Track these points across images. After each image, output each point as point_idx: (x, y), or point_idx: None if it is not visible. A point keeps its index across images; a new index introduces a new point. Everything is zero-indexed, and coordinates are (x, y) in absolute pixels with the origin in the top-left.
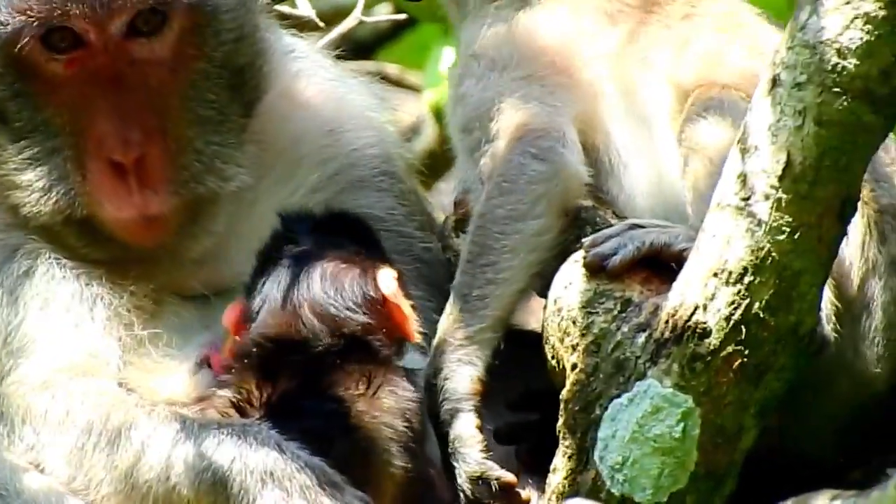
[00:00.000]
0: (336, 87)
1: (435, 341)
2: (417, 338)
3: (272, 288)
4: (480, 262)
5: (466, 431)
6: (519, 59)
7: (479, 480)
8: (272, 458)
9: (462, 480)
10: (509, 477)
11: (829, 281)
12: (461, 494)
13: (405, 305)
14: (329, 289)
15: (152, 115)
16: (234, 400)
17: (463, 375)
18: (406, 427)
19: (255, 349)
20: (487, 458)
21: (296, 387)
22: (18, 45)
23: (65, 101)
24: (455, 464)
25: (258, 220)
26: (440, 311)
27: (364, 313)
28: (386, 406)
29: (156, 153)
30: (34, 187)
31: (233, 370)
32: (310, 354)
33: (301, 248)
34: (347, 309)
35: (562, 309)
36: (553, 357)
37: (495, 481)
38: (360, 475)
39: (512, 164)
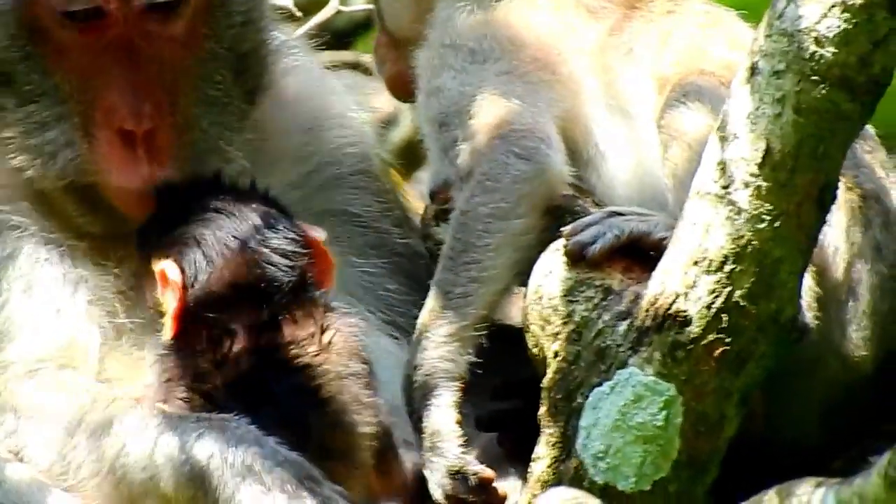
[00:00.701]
0: (320, 86)
1: (415, 337)
2: (333, 284)
3: (212, 235)
4: (463, 260)
5: (446, 426)
6: (501, 53)
7: (458, 475)
8: (251, 452)
9: (440, 475)
10: (488, 472)
11: (811, 268)
12: (438, 490)
13: (327, 249)
14: (274, 225)
15: (163, 89)
16: (194, 387)
17: (444, 373)
18: (361, 363)
19: (210, 300)
20: (466, 453)
21: (255, 358)
22: (35, 9)
23: (76, 68)
24: (433, 458)
25: None
26: (419, 306)
27: (305, 249)
28: (339, 349)
29: (165, 127)
30: (40, 151)
31: (182, 342)
32: (265, 300)
33: (218, 198)
34: (294, 242)
35: (543, 297)
36: (534, 345)
37: (473, 476)
38: (340, 442)
39: (496, 162)
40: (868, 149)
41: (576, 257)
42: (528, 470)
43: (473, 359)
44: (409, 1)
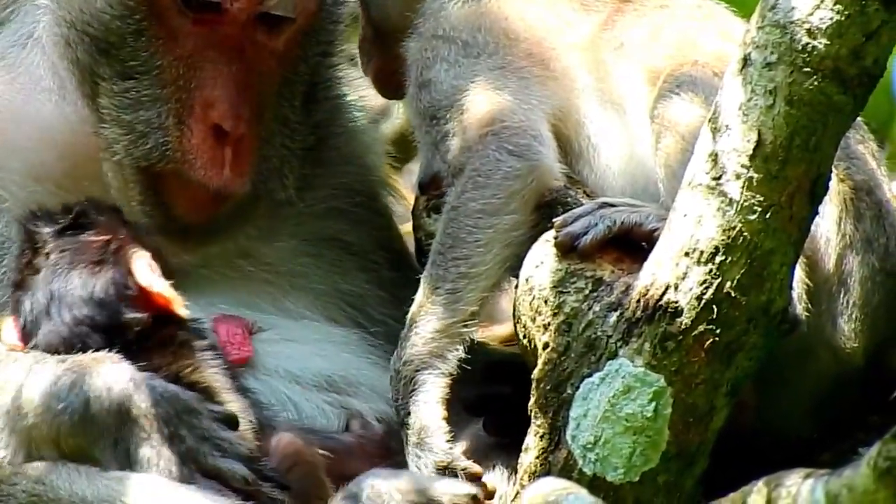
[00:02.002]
0: (349, 122)
1: (404, 332)
2: (184, 313)
3: (37, 308)
4: (452, 255)
5: (433, 422)
6: (495, 47)
7: (446, 470)
8: (126, 395)
9: (428, 471)
10: (476, 468)
11: (802, 259)
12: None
13: (163, 289)
14: (91, 299)
15: (257, 98)
16: None
17: (432, 368)
18: (223, 367)
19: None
20: (454, 449)
21: None
22: None
23: (184, 55)
24: (420, 453)
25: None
26: (402, 325)
27: (127, 311)
28: (194, 361)
29: (252, 136)
30: (132, 129)
31: None
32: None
33: (50, 258)
34: (111, 315)
35: (533, 288)
36: (524, 336)
37: (462, 472)
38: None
39: (487, 158)
40: (859, 138)
41: (566, 248)
42: (513, 459)
43: (462, 355)
44: None
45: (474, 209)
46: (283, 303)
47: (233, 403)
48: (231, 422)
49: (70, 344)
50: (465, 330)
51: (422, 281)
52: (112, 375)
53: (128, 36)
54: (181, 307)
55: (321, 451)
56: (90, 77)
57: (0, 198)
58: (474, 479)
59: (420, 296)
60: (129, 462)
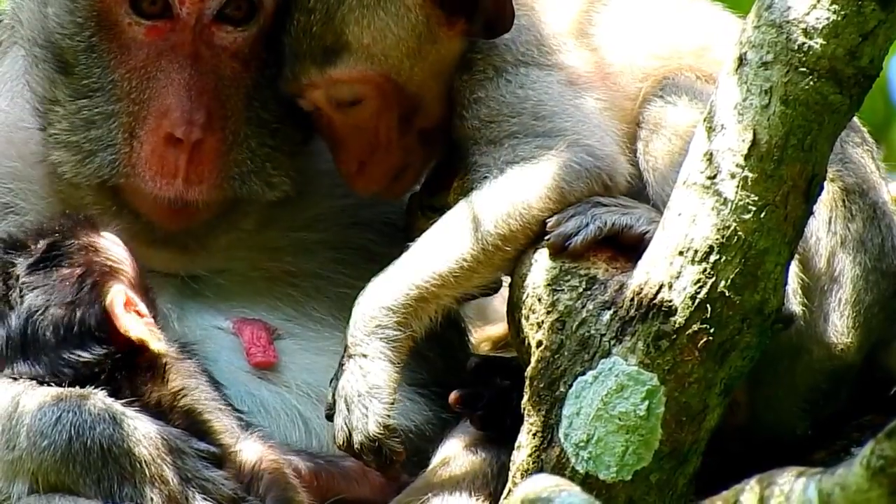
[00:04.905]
0: None
1: (395, 271)
2: (160, 347)
3: (13, 345)
4: (476, 226)
5: (387, 389)
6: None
7: (375, 442)
8: (107, 434)
9: (360, 432)
10: (399, 449)
11: (796, 255)
12: (343, 433)
13: (139, 331)
14: (67, 342)
15: (218, 103)
16: None
17: (407, 329)
18: (206, 384)
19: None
20: (389, 424)
21: None
22: (106, 1)
23: (137, 67)
24: (361, 409)
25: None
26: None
27: (103, 348)
28: (177, 383)
29: (213, 142)
30: (79, 149)
31: None
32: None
33: (24, 295)
34: (87, 355)
35: (527, 286)
36: (518, 334)
37: (388, 450)
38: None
39: (564, 166)
40: (858, 140)
41: (558, 249)
42: (499, 454)
43: (432, 325)
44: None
45: (521, 200)
46: (305, 310)
47: (222, 433)
48: (216, 460)
49: (47, 379)
50: (455, 299)
51: (429, 234)
52: (96, 413)
53: (81, 53)
54: (157, 343)
55: (302, 471)
56: (48, 103)
57: (18, 207)
58: (395, 460)
59: (425, 247)
60: (112, 499)
